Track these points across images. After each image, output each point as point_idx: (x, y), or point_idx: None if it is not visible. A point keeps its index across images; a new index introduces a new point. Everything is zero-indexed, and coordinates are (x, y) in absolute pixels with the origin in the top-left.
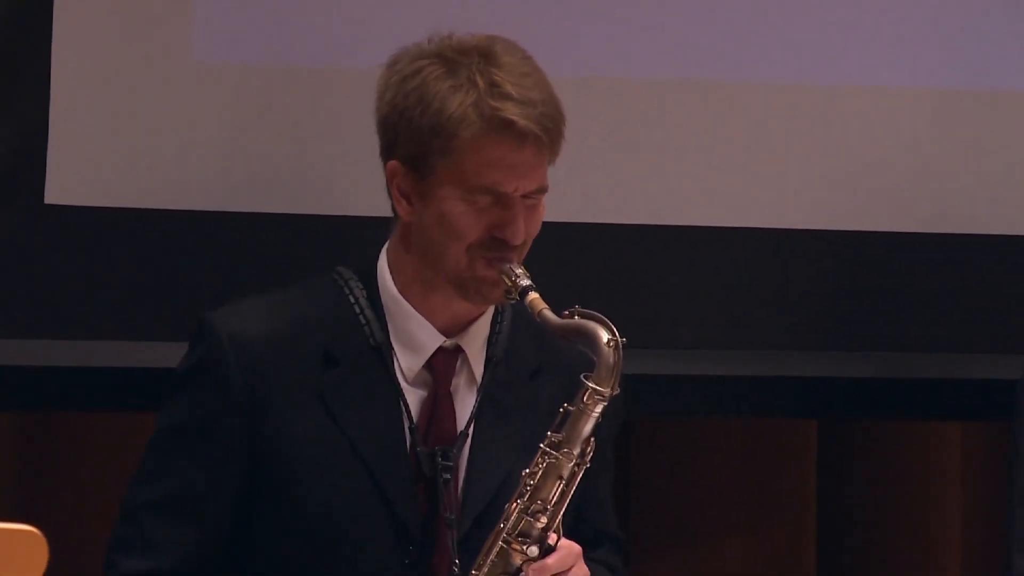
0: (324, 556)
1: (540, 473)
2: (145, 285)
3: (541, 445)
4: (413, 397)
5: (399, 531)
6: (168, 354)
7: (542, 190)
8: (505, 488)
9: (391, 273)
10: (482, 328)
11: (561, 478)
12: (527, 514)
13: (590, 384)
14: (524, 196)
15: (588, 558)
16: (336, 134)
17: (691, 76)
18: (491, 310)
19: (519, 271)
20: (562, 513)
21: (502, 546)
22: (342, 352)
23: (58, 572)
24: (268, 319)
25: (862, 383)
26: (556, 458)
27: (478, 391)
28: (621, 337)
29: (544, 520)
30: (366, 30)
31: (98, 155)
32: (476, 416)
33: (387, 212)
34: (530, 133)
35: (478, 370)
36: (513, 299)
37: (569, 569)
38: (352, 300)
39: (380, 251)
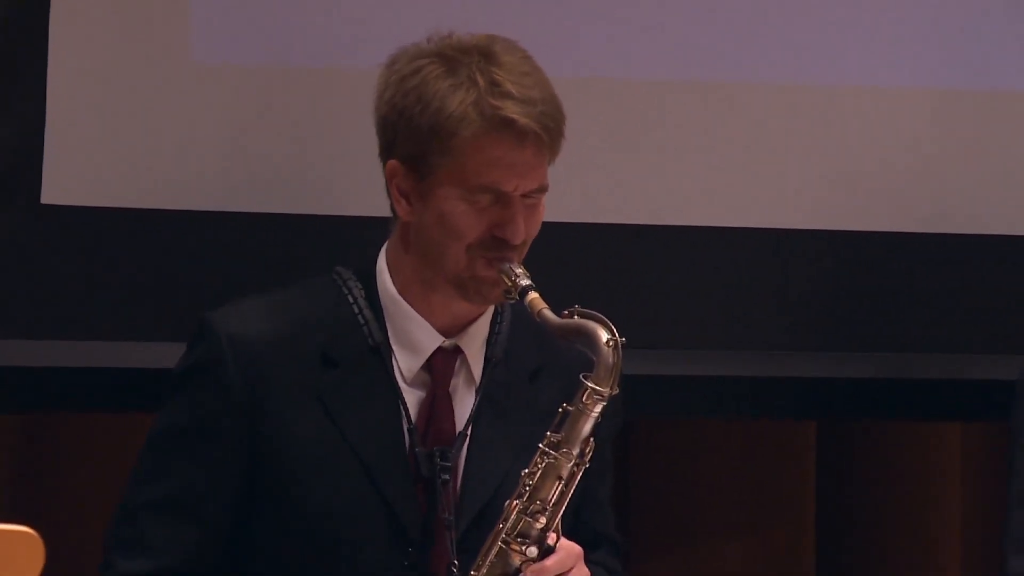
0: (323, 556)
1: (539, 473)
2: (144, 285)
3: (540, 445)
4: (412, 398)
5: (398, 532)
6: (168, 354)
7: (542, 189)
8: (504, 489)
9: (390, 273)
10: (481, 328)
11: (560, 478)
12: (526, 514)
13: (589, 384)
14: (524, 195)
15: (587, 560)
16: (336, 134)
17: (691, 76)
18: (490, 310)
19: (519, 271)
20: (561, 513)
21: (501, 546)
22: (341, 353)
23: (58, 573)
24: (267, 319)
25: (862, 383)
26: (555, 458)
27: (477, 392)
28: (621, 337)
29: (543, 520)
30: (366, 30)
31: (96, 155)
32: (475, 417)
33: (386, 212)
34: (530, 132)
35: (477, 371)
36: (513, 299)
37: (569, 571)
38: (351, 300)
39: (379, 251)
